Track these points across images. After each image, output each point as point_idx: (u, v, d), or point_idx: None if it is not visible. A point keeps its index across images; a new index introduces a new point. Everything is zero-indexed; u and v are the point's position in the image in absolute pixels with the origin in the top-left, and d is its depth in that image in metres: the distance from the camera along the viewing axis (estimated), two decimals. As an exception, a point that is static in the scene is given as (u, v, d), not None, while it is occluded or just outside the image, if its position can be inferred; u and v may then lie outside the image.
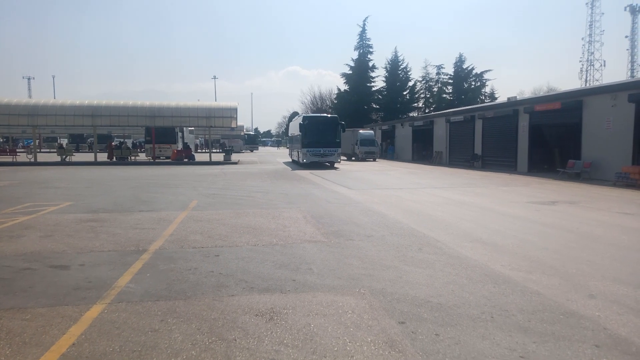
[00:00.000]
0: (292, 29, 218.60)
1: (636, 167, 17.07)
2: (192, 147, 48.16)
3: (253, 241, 7.63)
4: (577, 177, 20.36)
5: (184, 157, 36.42)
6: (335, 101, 68.73)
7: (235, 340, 3.85)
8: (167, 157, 37.52)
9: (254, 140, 79.23)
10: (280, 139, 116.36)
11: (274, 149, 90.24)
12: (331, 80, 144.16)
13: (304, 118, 30.39)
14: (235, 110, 33.92)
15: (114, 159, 35.63)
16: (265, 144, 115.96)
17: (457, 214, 10.68)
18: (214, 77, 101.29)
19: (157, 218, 9.84)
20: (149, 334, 3.96)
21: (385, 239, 7.83)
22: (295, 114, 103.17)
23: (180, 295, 4.95)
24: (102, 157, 36.41)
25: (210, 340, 3.83)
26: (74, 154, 39.63)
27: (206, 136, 58.53)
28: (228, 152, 37.59)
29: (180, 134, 41.67)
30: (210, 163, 33.45)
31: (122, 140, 48.86)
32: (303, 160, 29.13)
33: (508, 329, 4.12)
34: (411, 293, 5.06)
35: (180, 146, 39.96)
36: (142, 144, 51.79)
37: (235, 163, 34.14)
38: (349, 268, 6.05)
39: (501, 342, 3.85)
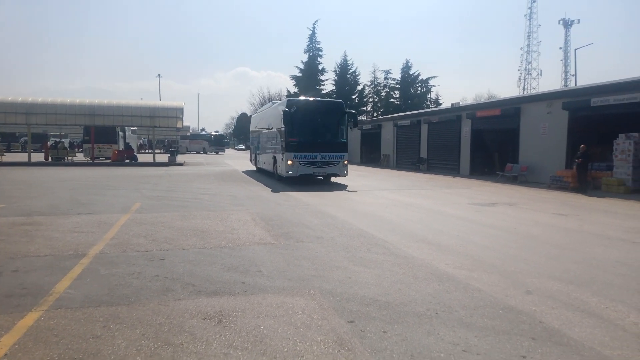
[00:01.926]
0: (242, 29, 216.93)
1: (569, 171, 18.23)
2: (135, 147, 46.48)
3: (200, 244, 7.46)
4: (515, 180, 21.47)
5: (126, 158, 35.08)
6: (285, 103, 68.49)
7: (183, 344, 3.74)
8: (107, 158, 36.01)
9: (220, 142, 72.19)
10: (227, 140, 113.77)
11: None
12: (281, 82, 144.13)
13: (290, 103, 18.41)
14: (181, 110, 33.07)
15: (50, 160, 33.72)
16: None
17: (404, 215, 10.95)
18: (159, 76, 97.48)
19: (97, 221, 9.40)
20: (91, 340, 3.78)
21: (335, 240, 7.90)
22: (243, 115, 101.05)
23: (123, 300, 4.75)
24: (37, 157, 34.36)
25: (156, 346, 3.70)
26: (5, 153, 37.16)
27: (150, 136, 56.60)
28: (173, 153, 36.58)
29: (121, 134, 40.11)
30: (154, 164, 32.41)
31: (58, 139, 46.31)
32: (287, 172, 17.85)
33: (452, 324, 4.27)
34: (360, 292, 5.13)
35: (121, 146, 38.45)
36: (80, 143, 49.38)
37: (181, 164, 33.26)
38: (299, 269, 6.05)
39: (445, 337, 3.98)
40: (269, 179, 20.39)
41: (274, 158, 20.28)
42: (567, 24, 76.98)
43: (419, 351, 3.70)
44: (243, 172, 25.84)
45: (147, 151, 60.96)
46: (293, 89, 66.33)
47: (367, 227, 9.24)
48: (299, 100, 19.62)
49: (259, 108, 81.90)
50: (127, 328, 4.04)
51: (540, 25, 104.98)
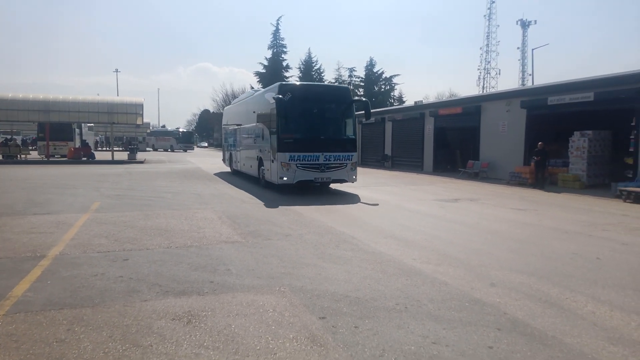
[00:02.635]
0: (203, 24, 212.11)
1: (527, 167, 18.90)
2: (92, 144, 44.95)
3: (165, 243, 7.29)
4: (476, 176, 22.07)
5: (83, 156, 33.89)
6: (249, 100, 67.70)
7: (152, 346, 3.65)
8: (63, 156, 34.67)
9: (189, 139, 67.89)
10: (196, 136, 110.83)
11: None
12: (244, 79, 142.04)
13: (283, 88, 14.27)
14: (140, 106, 32.17)
15: (1, 158, 32.16)
16: None
17: (371, 211, 11.07)
18: (116, 70, 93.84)
19: (55, 221, 9.04)
20: (54, 344, 3.63)
21: (304, 237, 7.89)
22: (206, 111, 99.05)
23: (87, 302, 4.59)
24: (-13, 155, 32.68)
25: (124, 348, 3.60)
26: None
27: (107, 133, 54.74)
28: (133, 151, 35.58)
29: (78, 131, 38.72)
30: (113, 162, 31.42)
31: (10, 136, 44.17)
32: (280, 177, 13.85)
33: (421, 318, 4.35)
34: (330, 289, 5.16)
35: (77, 144, 37.12)
36: (34, 140, 47.30)
37: (142, 162, 32.42)
38: (268, 267, 6.02)
39: (415, 330, 4.06)
40: (253, 186, 16.28)
41: (259, 159, 16.26)
42: (524, 25, 79.33)
43: (390, 345, 3.75)
44: (215, 174, 22.04)
45: (104, 148, 59.02)
46: (257, 86, 65.79)
47: (335, 223, 9.29)
48: (295, 84, 15.59)
49: (222, 104, 78.93)
50: (92, 330, 3.91)
51: (499, 26, 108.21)
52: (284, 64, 64.96)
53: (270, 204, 11.84)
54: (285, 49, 65.12)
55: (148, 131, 65.93)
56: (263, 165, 15.81)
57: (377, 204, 12.34)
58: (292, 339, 3.83)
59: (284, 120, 13.78)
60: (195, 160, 37.38)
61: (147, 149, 64.52)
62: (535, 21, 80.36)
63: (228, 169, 23.69)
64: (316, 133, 14.31)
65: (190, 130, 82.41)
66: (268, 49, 65.11)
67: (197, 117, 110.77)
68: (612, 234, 8.73)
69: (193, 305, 4.56)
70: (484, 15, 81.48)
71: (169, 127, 75.94)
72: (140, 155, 39.12)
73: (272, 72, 63.57)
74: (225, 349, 3.62)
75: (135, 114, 31.92)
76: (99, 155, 37.15)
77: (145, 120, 52.15)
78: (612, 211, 11.81)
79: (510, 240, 8.00)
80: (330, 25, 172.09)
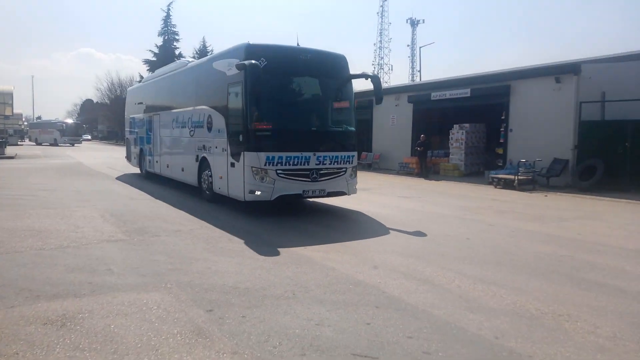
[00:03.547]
0: (85, 4, 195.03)
1: (414, 158, 20.31)
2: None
3: (38, 245, 6.67)
4: (370, 167, 23.19)
5: (-62, 152, 29.56)
6: (139, 91, 63.71)
7: (18, 353, 3.36)
8: None
9: (76, 131, 61.01)
10: (86, 127, 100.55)
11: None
12: (132, 67, 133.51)
13: (252, 50, 8.94)
14: (10, 95, 28.92)
15: None
16: None
17: (265, 204, 11.08)
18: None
19: None
20: None
21: (194, 232, 7.72)
22: (89, 101, 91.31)
23: (-63, 314, 4.07)
24: None
25: (-19, 360, 3.27)
26: None
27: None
28: (1, 145, 31.78)
29: None
30: (-22, 158, 27.80)
31: None
32: (250, 190, 8.79)
33: (307, 302, 4.52)
34: (220, 282, 5.12)
35: None
36: None
37: (12, 157, 29.09)
38: (155, 264, 5.80)
39: (301, 314, 4.21)
40: (186, 196, 11.80)
41: (202, 160, 11.15)
42: (413, 23, 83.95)
43: (275, 330, 3.85)
44: (118, 178, 16.33)
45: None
46: (147, 74, 62.27)
47: (228, 217, 9.20)
48: (270, 46, 9.47)
49: (108, 94, 72.04)
50: (-58, 345, 3.48)
51: (390, 23, 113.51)
52: (177, 52, 62.04)
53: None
54: (177, 37, 62.22)
55: (22, 122, 58.95)
56: (210, 170, 10.74)
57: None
58: (176, 334, 3.76)
59: (255, 102, 8.85)
60: (78, 154, 34.34)
61: (22, 143, 57.60)
62: (424, 20, 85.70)
63: (135, 170, 18.08)
64: (305, 123, 9.71)
65: (77, 121, 74.61)
66: (159, 35, 61.64)
67: (78, 107, 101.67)
68: (482, 217, 9.74)
69: (68, 309, 4.26)
70: (377, 13, 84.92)
71: (49, 118, 68.25)
72: (10, 150, 35.07)
73: (164, 60, 60.05)
74: (103, 350, 3.45)
75: (3, 103, 28.56)
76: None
77: (17, 111, 46.94)
78: (484, 196, 13.17)
79: (394, 226, 8.56)
80: (224, 15, 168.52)
